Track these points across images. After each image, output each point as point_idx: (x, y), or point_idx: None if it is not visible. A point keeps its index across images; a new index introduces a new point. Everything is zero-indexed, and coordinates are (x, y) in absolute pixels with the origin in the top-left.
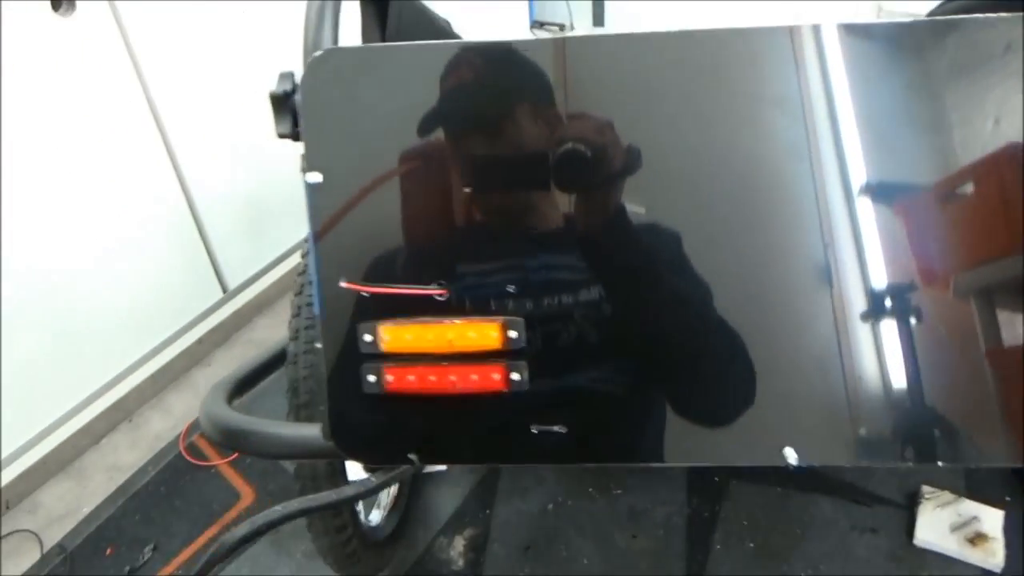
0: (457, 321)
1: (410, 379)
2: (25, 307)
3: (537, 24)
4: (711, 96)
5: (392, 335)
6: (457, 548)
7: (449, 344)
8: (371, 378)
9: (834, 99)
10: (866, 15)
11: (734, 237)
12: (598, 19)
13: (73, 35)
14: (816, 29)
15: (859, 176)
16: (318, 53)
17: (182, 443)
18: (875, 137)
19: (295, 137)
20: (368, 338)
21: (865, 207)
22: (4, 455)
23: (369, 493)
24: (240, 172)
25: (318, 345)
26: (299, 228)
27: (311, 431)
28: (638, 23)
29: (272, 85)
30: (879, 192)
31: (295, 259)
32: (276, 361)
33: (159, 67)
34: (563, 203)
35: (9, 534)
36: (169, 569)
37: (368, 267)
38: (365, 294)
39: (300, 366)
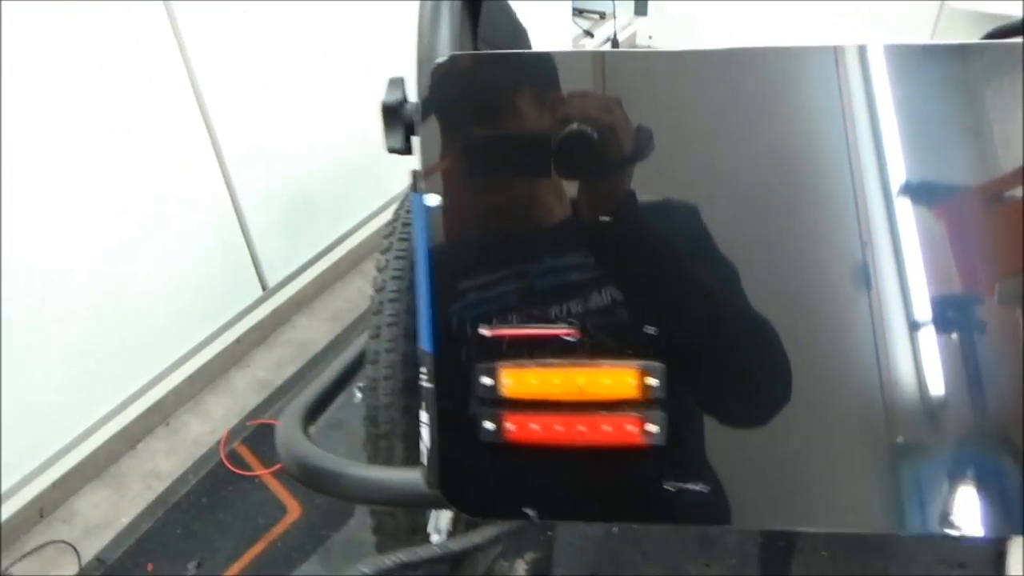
0: (589, 365)
1: (533, 428)
2: (61, 306)
3: (577, 12)
4: (752, 109)
5: (515, 379)
6: (518, 572)
7: (579, 391)
8: (489, 425)
9: (876, 108)
10: (928, 13)
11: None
12: (640, 8)
13: (121, 20)
14: (862, 49)
15: (900, 182)
16: (440, 60)
17: (223, 450)
18: (917, 143)
19: (406, 151)
20: (487, 381)
21: (906, 213)
22: (41, 460)
23: (477, 549)
24: (284, 167)
25: (425, 383)
26: (339, 225)
27: (410, 476)
28: (680, 9)
29: (321, 81)
30: (922, 197)
31: (335, 256)
32: (345, 378)
33: (208, 58)
34: (720, 234)
35: (44, 545)
36: None
37: (488, 301)
38: (484, 332)
39: (380, 393)
